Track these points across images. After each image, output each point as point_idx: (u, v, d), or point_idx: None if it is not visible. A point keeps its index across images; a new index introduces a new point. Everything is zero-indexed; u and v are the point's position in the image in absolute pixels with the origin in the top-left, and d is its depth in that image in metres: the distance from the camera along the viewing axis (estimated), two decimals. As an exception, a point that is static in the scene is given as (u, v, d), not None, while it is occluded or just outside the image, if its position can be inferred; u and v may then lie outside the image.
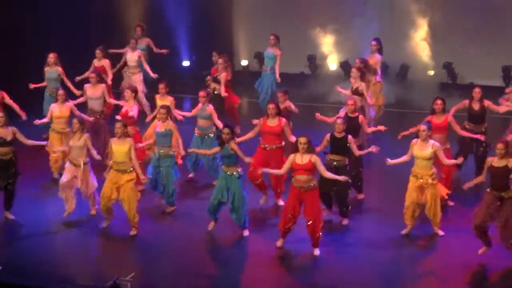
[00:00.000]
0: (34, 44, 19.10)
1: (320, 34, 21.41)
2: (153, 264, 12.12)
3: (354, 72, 15.92)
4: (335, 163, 12.95)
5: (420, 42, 20.84)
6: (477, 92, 14.43)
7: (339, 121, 13.02)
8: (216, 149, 12.70)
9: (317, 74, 21.54)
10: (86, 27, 20.61)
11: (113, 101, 15.75)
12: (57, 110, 14.76)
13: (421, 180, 12.36)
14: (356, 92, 15.78)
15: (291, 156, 12.05)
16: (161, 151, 13.39)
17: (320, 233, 12.13)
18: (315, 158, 11.92)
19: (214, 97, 16.41)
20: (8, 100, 15.36)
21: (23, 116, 15.01)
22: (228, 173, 12.49)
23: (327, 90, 19.66)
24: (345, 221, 13.29)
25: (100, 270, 11.84)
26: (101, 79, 16.09)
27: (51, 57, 16.40)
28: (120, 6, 22.30)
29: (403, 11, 20.79)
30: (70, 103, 14.89)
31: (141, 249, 12.58)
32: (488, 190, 11.74)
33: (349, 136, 12.98)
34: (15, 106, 15.21)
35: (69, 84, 16.37)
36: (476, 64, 17.61)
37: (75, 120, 13.24)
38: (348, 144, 12.91)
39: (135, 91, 14.90)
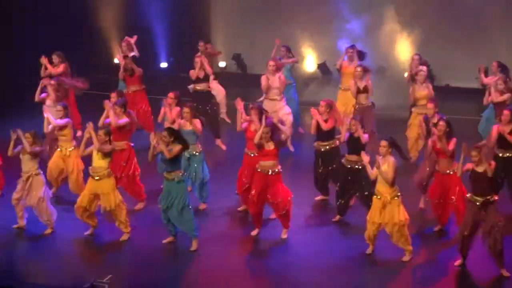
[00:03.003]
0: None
1: (299, 36, 21.41)
2: (131, 266, 12.08)
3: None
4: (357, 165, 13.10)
5: (397, 44, 20.90)
6: (506, 114, 13.58)
7: (353, 121, 13.16)
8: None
9: (296, 76, 21.53)
10: (60, 27, 20.59)
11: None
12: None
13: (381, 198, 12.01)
14: None
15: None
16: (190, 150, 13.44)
17: (289, 213, 12.61)
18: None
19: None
20: None
21: None
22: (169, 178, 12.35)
23: (306, 91, 19.82)
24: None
25: (77, 272, 11.78)
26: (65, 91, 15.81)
27: None
28: (96, 7, 22.24)
29: (381, 13, 20.85)
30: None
31: (119, 251, 12.54)
32: (468, 197, 11.70)
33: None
34: None
35: None
36: (453, 66, 17.69)
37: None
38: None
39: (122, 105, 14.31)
